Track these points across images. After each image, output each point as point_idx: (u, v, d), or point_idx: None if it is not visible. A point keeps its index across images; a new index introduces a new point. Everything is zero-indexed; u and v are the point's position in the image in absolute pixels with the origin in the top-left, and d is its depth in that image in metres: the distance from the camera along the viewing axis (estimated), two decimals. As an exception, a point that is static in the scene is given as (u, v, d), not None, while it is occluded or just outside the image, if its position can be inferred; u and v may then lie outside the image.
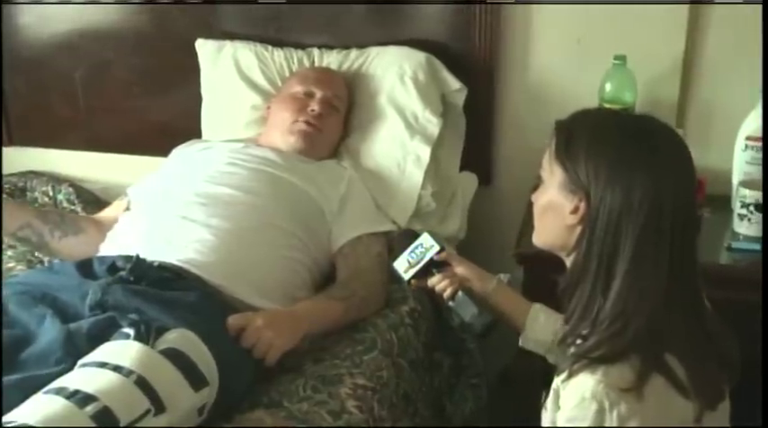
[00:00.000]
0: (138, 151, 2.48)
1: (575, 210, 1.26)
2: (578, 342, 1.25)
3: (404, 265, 1.63)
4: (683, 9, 2.03)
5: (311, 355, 1.60)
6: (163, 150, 2.16)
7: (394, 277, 1.73)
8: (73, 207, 2.39)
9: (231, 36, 2.31)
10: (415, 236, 1.67)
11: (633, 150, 1.23)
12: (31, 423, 1.16)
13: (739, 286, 1.73)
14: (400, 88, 2.10)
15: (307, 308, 1.65)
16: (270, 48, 2.26)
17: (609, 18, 2.08)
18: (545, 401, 1.30)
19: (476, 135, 2.21)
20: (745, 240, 1.86)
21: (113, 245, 1.76)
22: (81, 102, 2.53)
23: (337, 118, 2.08)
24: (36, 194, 2.46)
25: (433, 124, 2.08)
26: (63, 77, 2.51)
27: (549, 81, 2.19)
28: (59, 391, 1.22)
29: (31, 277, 1.64)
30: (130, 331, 1.34)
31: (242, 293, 1.63)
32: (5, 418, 1.20)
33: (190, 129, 2.28)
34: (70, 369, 1.32)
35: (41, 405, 1.21)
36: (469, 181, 2.21)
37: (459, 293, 1.57)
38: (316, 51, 2.25)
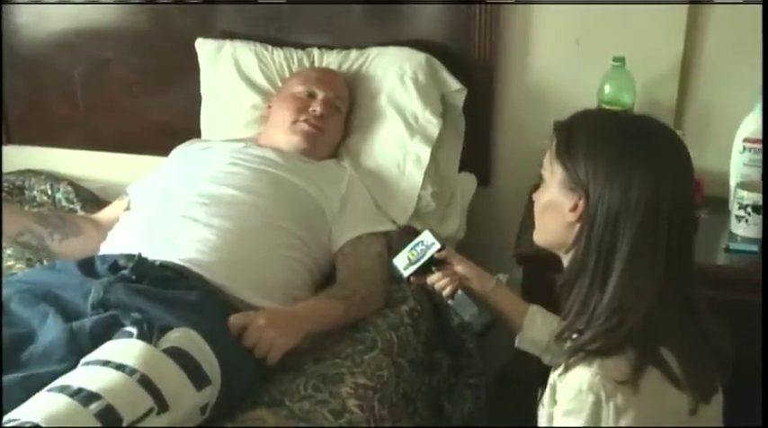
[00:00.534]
0: (137, 150, 2.48)
1: (574, 208, 1.28)
2: (575, 336, 1.26)
3: (404, 262, 1.63)
4: (682, 11, 2.04)
5: (312, 354, 1.61)
6: (162, 149, 2.16)
7: (393, 274, 1.74)
8: (72, 205, 2.39)
9: (231, 35, 2.31)
10: (416, 233, 1.68)
11: (632, 150, 1.24)
12: (36, 420, 1.16)
13: (737, 287, 1.74)
14: (400, 89, 2.11)
15: (308, 308, 1.65)
16: (270, 47, 2.27)
17: (608, 19, 2.09)
18: (541, 397, 1.32)
19: (475, 135, 2.22)
20: (743, 241, 1.87)
21: (115, 244, 1.77)
22: (80, 101, 2.53)
23: (339, 118, 2.09)
24: (34, 193, 2.46)
25: (432, 124, 2.08)
26: (62, 76, 2.51)
27: (548, 82, 2.20)
28: (63, 389, 1.22)
29: (33, 275, 1.64)
30: (133, 329, 1.34)
31: (243, 293, 1.63)
32: (9, 416, 1.20)
33: (189, 128, 2.28)
34: (73, 367, 1.32)
35: (45, 403, 1.21)
36: (468, 181, 2.21)
37: (459, 292, 1.57)
38: (315, 51, 2.25)
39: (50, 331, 1.42)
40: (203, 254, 1.65)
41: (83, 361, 1.32)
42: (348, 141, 2.13)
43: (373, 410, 1.52)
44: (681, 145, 1.29)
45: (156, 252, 1.64)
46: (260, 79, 2.23)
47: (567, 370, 1.21)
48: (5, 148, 2.61)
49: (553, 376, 1.26)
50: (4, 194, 2.42)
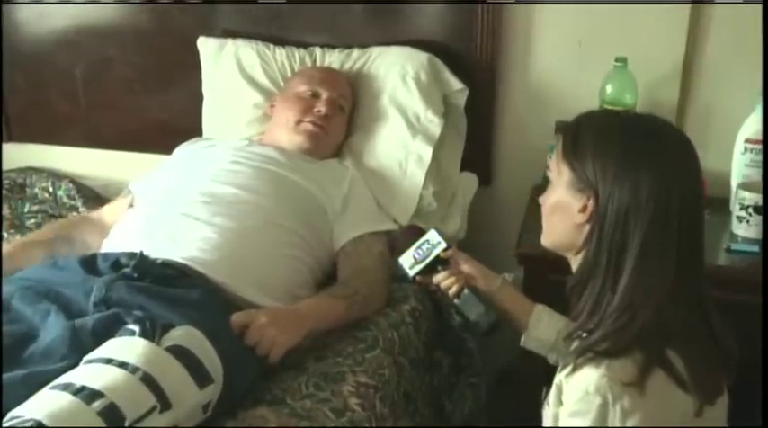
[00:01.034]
0: (138, 148, 2.49)
1: (583, 209, 1.27)
2: (584, 335, 1.26)
3: (409, 261, 1.63)
4: (684, 12, 2.05)
5: (313, 353, 1.61)
6: (163, 148, 2.17)
7: (398, 273, 1.74)
8: (73, 202, 2.40)
9: (233, 34, 2.32)
10: (421, 232, 1.67)
11: (640, 148, 1.24)
12: (38, 418, 1.16)
13: (738, 287, 1.74)
14: (402, 88, 2.11)
15: (310, 306, 1.65)
16: (272, 46, 2.27)
17: (610, 20, 2.10)
18: (546, 397, 1.32)
19: (477, 135, 2.22)
20: (744, 242, 1.87)
21: (117, 242, 1.77)
22: (81, 99, 2.53)
23: (342, 118, 2.09)
24: (36, 190, 2.46)
25: (434, 124, 2.09)
26: (63, 74, 2.52)
27: (549, 82, 2.20)
28: (66, 387, 1.22)
29: (35, 273, 1.63)
30: (136, 327, 1.34)
31: (245, 291, 1.63)
32: (11, 413, 1.20)
33: (191, 126, 2.29)
34: (75, 365, 1.32)
35: (48, 400, 1.21)
36: (470, 181, 2.22)
37: (465, 291, 1.57)
38: (318, 50, 2.25)
39: (52, 329, 1.42)
40: (205, 253, 1.65)
41: (85, 358, 1.32)
42: (350, 140, 2.13)
43: (374, 409, 1.52)
44: (688, 143, 1.29)
45: (158, 250, 1.64)
46: (262, 78, 2.24)
47: (574, 370, 1.21)
48: (6, 146, 2.62)
49: (559, 376, 1.26)
50: (5, 191, 2.42)
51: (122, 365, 1.26)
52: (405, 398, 1.67)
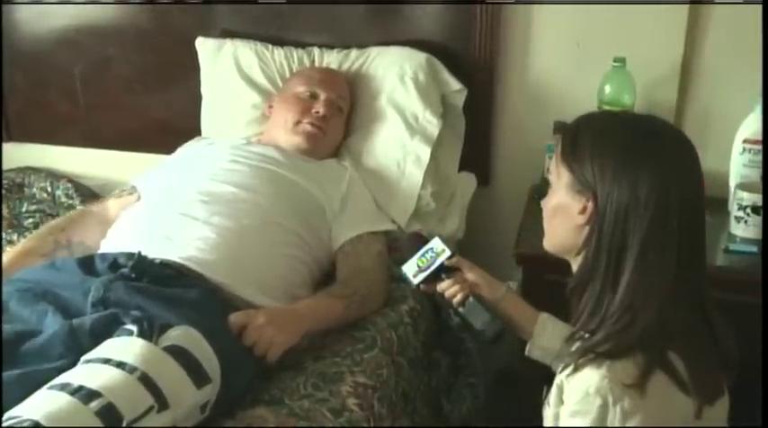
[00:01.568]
0: (137, 148, 2.49)
1: (583, 210, 1.27)
2: (585, 336, 1.26)
3: (413, 269, 1.60)
4: (683, 12, 2.05)
5: (312, 353, 1.61)
6: (162, 147, 2.17)
7: (399, 278, 1.73)
8: (71, 201, 2.40)
9: (231, 34, 2.32)
10: (424, 240, 1.66)
11: (638, 148, 1.24)
12: (36, 418, 1.16)
13: (736, 288, 1.74)
14: (400, 88, 2.11)
15: (308, 306, 1.65)
16: (270, 46, 2.27)
17: (609, 20, 2.10)
18: (546, 396, 1.31)
19: (475, 136, 2.22)
20: (742, 242, 1.87)
21: (115, 242, 1.76)
22: (80, 99, 2.54)
23: (340, 119, 2.09)
24: (34, 190, 2.46)
25: (432, 125, 2.09)
26: (62, 73, 2.52)
27: (548, 83, 2.20)
28: (64, 387, 1.22)
29: (33, 274, 1.62)
30: (133, 327, 1.34)
31: (243, 291, 1.63)
32: (9, 413, 1.20)
33: (189, 126, 2.29)
34: (72, 364, 1.32)
35: (46, 400, 1.21)
36: (468, 181, 2.22)
37: (470, 299, 1.55)
38: (316, 50, 2.25)
39: (49, 327, 1.42)
40: (203, 252, 1.65)
41: (83, 358, 1.31)
42: (348, 141, 2.13)
43: (373, 409, 1.52)
44: (687, 142, 1.28)
45: (156, 250, 1.63)
46: (260, 78, 2.24)
47: (575, 370, 1.21)
48: (5, 145, 2.62)
49: (560, 376, 1.26)
50: (3, 191, 2.42)
51: (120, 365, 1.26)
52: (403, 398, 1.66)
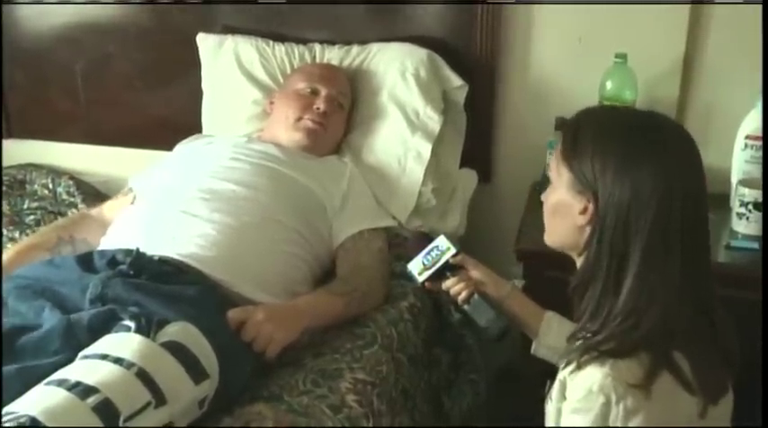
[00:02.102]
0: (138, 145, 2.49)
1: (584, 211, 1.26)
2: (588, 335, 1.25)
3: (418, 267, 1.61)
4: (685, 8, 2.04)
5: (311, 349, 1.61)
6: (163, 144, 2.16)
7: (399, 274, 1.73)
8: (72, 199, 2.40)
9: (232, 30, 2.31)
10: (430, 240, 1.67)
11: (640, 148, 1.22)
12: (33, 414, 1.15)
13: (738, 284, 1.72)
14: (401, 85, 2.10)
15: (308, 303, 1.65)
16: (271, 43, 2.26)
17: (610, 16, 2.08)
18: (549, 391, 1.31)
19: (476, 132, 2.22)
20: (744, 239, 1.86)
21: (115, 239, 1.76)
22: (81, 96, 2.54)
23: (341, 115, 2.09)
24: (36, 187, 2.46)
25: (434, 121, 2.08)
26: (63, 70, 2.52)
27: (549, 79, 2.19)
28: (61, 383, 1.22)
29: (32, 271, 1.62)
30: (131, 323, 1.34)
31: (242, 287, 1.63)
32: (6, 408, 1.20)
33: (190, 123, 2.29)
34: (69, 359, 1.32)
35: (43, 396, 1.21)
36: (469, 177, 2.21)
37: (475, 296, 1.55)
38: (317, 47, 2.25)
39: (47, 322, 1.42)
40: (203, 249, 1.65)
41: (81, 354, 1.32)
42: (349, 137, 2.13)
43: (372, 405, 1.51)
44: (690, 140, 1.27)
45: (156, 247, 1.63)
46: (261, 74, 2.23)
47: (579, 368, 1.20)
48: (6, 142, 2.62)
49: (563, 372, 1.25)
50: (5, 188, 2.43)
51: (117, 361, 1.26)
52: (403, 395, 1.66)
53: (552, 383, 1.29)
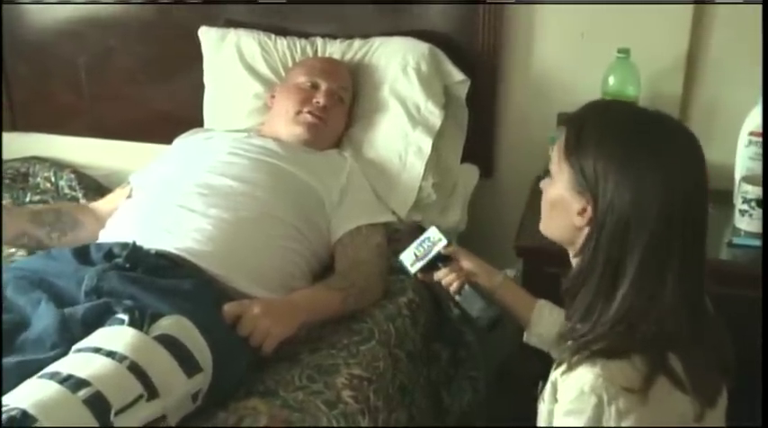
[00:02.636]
0: (140, 138, 2.49)
1: (582, 212, 1.24)
2: (579, 336, 1.24)
3: (410, 258, 1.62)
4: (688, 3, 2.01)
5: (308, 345, 1.60)
6: (165, 138, 2.16)
7: (398, 269, 1.73)
8: (74, 193, 2.40)
9: (234, 24, 2.31)
10: (422, 230, 1.66)
11: (644, 154, 1.20)
12: (24, 406, 1.15)
13: (740, 282, 1.71)
14: (403, 79, 2.09)
15: (305, 297, 1.65)
16: (273, 36, 2.25)
17: (613, 11, 2.06)
18: (542, 391, 1.30)
19: (478, 127, 2.20)
20: (746, 236, 1.84)
21: (112, 233, 1.76)
22: (84, 89, 2.54)
23: (342, 109, 2.08)
24: (38, 180, 2.47)
25: (435, 115, 2.07)
26: (67, 64, 2.52)
27: (552, 74, 2.18)
28: (53, 376, 1.22)
29: (30, 263, 1.63)
30: (125, 317, 1.34)
31: (239, 282, 1.62)
32: None
33: (193, 116, 2.29)
34: (65, 353, 1.32)
35: (35, 389, 1.21)
36: (471, 173, 2.20)
37: (466, 287, 1.55)
38: (319, 40, 2.24)
39: (43, 317, 1.42)
40: (199, 244, 1.65)
41: (74, 347, 1.32)
42: (350, 131, 2.12)
43: (368, 401, 1.51)
44: (696, 145, 1.24)
45: (153, 241, 1.63)
46: (263, 68, 2.23)
47: (570, 368, 1.19)
48: (11, 135, 2.63)
49: (555, 373, 1.24)
50: (8, 181, 2.43)
51: (110, 354, 1.26)
52: (401, 391, 1.65)
53: (545, 383, 1.28)
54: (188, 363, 1.32)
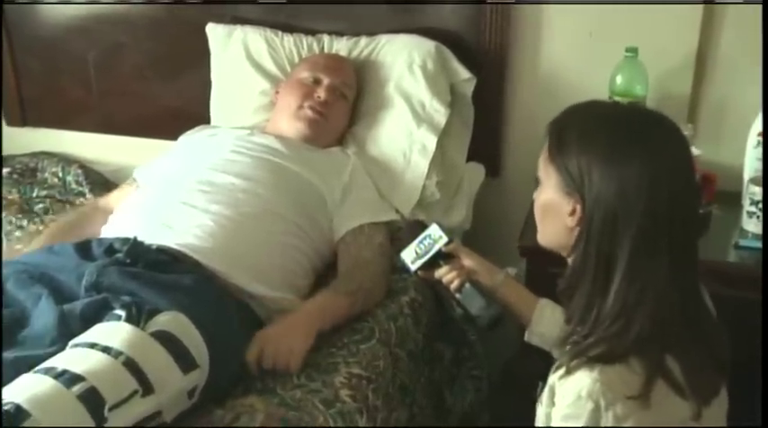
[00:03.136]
0: (148, 134, 2.50)
1: (572, 212, 1.24)
2: (578, 339, 1.23)
3: (411, 256, 1.61)
4: (698, 2, 1.99)
5: (310, 342, 1.60)
6: (173, 134, 2.16)
7: (400, 267, 1.72)
8: (80, 188, 2.42)
9: (242, 21, 2.30)
10: (424, 227, 1.66)
11: (625, 143, 1.19)
12: (18, 401, 1.16)
13: (746, 284, 1.70)
14: (408, 76, 2.08)
15: (315, 305, 1.64)
16: (280, 33, 2.25)
17: (621, 9, 2.04)
18: (540, 394, 1.29)
19: (485, 126, 2.19)
20: (754, 238, 1.82)
21: (114, 228, 1.77)
22: (93, 85, 2.55)
23: (344, 105, 2.07)
24: (46, 175, 2.48)
25: (440, 113, 2.06)
26: (76, 60, 2.53)
27: (559, 72, 2.16)
28: (48, 371, 1.23)
29: (32, 257, 1.64)
30: (122, 312, 1.34)
31: (239, 279, 1.62)
32: None
33: (200, 113, 2.29)
34: (63, 349, 1.32)
35: (29, 384, 1.21)
36: (476, 171, 2.19)
37: (467, 285, 1.55)
38: (326, 38, 2.23)
39: (43, 313, 1.43)
40: (200, 240, 1.65)
41: (71, 343, 1.32)
42: (355, 128, 2.11)
43: (367, 400, 1.50)
44: (678, 133, 1.23)
45: (154, 236, 1.63)
46: (269, 65, 2.22)
47: (568, 373, 1.18)
48: (21, 130, 2.65)
49: (553, 377, 1.23)
50: (16, 176, 2.45)
51: (105, 350, 1.26)
52: (401, 391, 1.65)
53: (544, 385, 1.27)
54: (184, 360, 1.32)
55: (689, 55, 2.03)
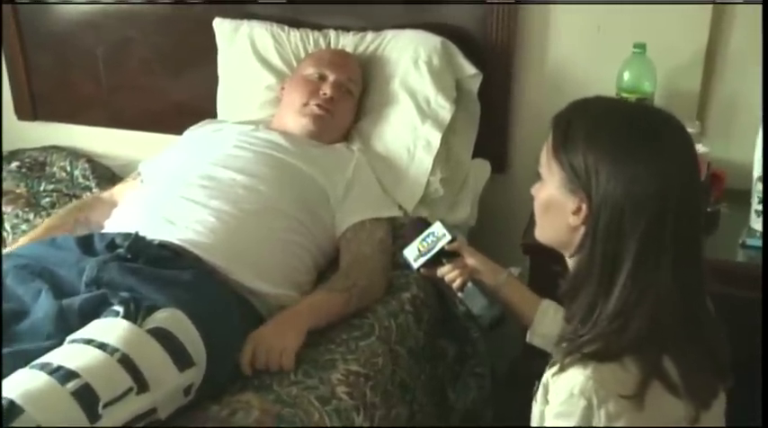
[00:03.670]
0: (156, 129, 2.51)
1: (577, 211, 1.21)
2: (575, 337, 1.22)
3: (414, 253, 1.60)
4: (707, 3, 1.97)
5: (306, 339, 1.58)
6: (180, 129, 2.17)
7: (402, 264, 1.71)
8: (87, 183, 2.43)
9: (249, 16, 2.30)
10: (427, 224, 1.65)
11: (634, 143, 1.18)
12: (11, 397, 1.16)
13: (753, 283, 1.67)
14: (414, 72, 2.07)
15: (305, 303, 1.63)
16: (286, 28, 2.25)
17: (629, 5, 2.02)
18: (535, 392, 1.28)
19: (491, 122, 2.17)
20: (761, 237, 1.79)
21: (117, 223, 1.77)
22: (103, 80, 2.56)
23: (350, 101, 2.06)
24: (54, 169, 2.50)
25: (445, 109, 2.05)
26: (86, 54, 2.54)
27: (567, 68, 2.14)
28: (43, 367, 1.23)
29: (33, 250, 1.64)
30: (120, 309, 1.34)
31: (239, 274, 1.62)
32: None
33: (207, 108, 2.29)
34: (60, 344, 1.32)
35: (24, 379, 1.22)
36: (482, 168, 2.17)
37: (469, 284, 1.54)
38: (332, 33, 2.23)
39: (42, 308, 1.43)
40: (201, 235, 1.65)
41: (68, 338, 1.32)
42: (360, 124, 2.11)
43: (364, 397, 1.50)
44: (684, 134, 1.21)
45: (156, 231, 1.64)
46: (275, 60, 2.22)
47: (561, 370, 1.17)
48: (31, 124, 2.67)
49: (547, 375, 1.22)
50: (25, 169, 2.46)
51: (101, 346, 1.27)
52: (401, 388, 1.64)
53: (539, 384, 1.26)
54: (180, 357, 1.32)
55: (698, 51, 2.01)
